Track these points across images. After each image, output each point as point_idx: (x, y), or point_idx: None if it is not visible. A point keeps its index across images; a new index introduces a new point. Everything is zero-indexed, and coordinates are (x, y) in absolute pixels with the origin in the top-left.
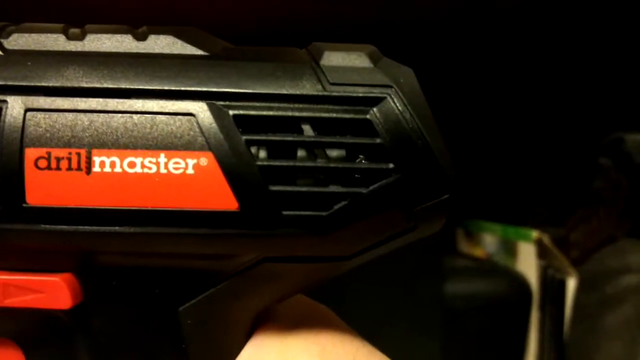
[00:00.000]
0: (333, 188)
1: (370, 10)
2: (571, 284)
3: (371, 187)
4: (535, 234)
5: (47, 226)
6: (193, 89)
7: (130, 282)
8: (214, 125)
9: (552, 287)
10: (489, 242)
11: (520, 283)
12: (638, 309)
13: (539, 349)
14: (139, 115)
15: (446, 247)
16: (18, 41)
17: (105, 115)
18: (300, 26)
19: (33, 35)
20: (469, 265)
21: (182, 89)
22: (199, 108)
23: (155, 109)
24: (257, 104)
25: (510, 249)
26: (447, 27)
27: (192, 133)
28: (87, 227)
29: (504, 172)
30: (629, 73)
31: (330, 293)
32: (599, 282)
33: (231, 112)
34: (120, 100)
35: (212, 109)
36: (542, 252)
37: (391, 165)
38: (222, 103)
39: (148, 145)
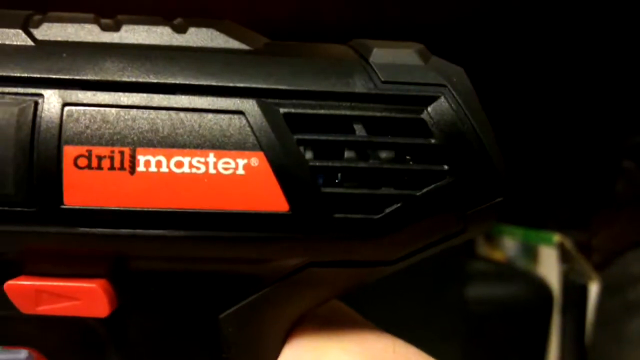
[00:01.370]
0: (385, 190)
1: (378, 11)
2: (593, 289)
3: (424, 190)
4: (556, 237)
5: (86, 229)
6: (242, 85)
7: (168, 289)
8: (265, 124)
9: (574, 292)
10: (509, 246)
11: (541, 287)
12: None
13: (560, 354)
14: (185, 112)
15: (466, 251)
16: (49, 31)
17: (150, 111)
18: (306, 25)
19: (64, 25)
20: (489, 269)
21: (231, 85)
22: (249, 106)
23: (203, 106)
24: (308, 102)
25: (531, 253)
26: (465, 27)
27: (242, 132)
28: (129, 230)
29: (525, 174)
30: None
31: (351, 297)
32: (622, 288)
33: (282, 111)
34: (165, 96)
35: (262, 107)
36: (564, 256)
37: (445, 167)
38: (272, 101)
39: (196, 144)
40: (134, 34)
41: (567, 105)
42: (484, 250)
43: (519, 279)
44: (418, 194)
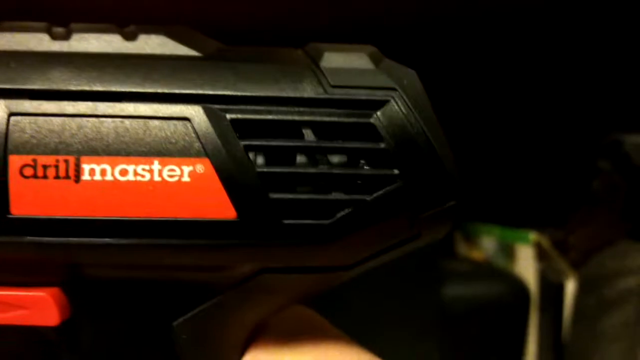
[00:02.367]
0: (335, 195)
1: (366, 11)
2: (570, 287)
3: (375, 194)
4: (533, 236)
5: (33, 238)
6: (188, 91)
7: (121, 296)
8: (211, 130)
9: (551, 290)
10: (487, 245)
11: (518, 286)
12: (638, 311)
13: (538, 352)
14: (130, 119)
15: (444, 250)
16: None
17: (95, 120)
18: (291, 25)
19: (15, 34)
20: (467, 268)
21: (177, 91)
22: (195, 112)
23: (148, 113)
24: (256, 108)
25: (508, 252)
26: (443, 28)
27: (187, 138)
28: (76, 239)
29: (502, 174)
30: (628, 74)
31: (327, 297)
32: (598, 285)
33: (228, 116)
34: (111, 104)
35: (209, 113)
36: (541, 254)
37: (396, 171)
38: (218, 107)
39: (141, 152)
40: (83, 42)
41: (544, 104)
42: (463, 250)
43: (496, 278)
44: (369, 198)
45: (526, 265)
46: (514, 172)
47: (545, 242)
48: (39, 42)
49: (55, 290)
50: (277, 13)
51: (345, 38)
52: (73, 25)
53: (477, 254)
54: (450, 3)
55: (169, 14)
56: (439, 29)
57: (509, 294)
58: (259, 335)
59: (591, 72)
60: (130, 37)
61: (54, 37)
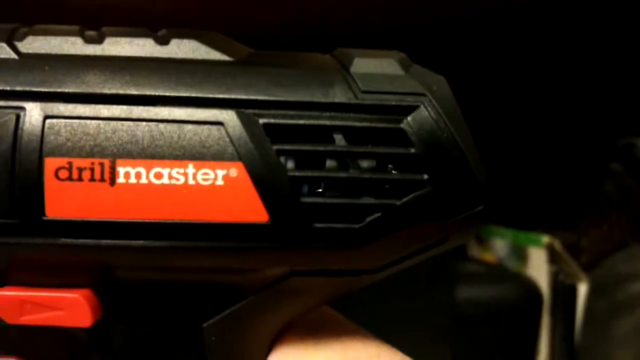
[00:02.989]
0: (365, 200)
1: (372, 14)
2: (582, 290)
3: (404, 199)
4: (545, 239)
5: (68, 240)
6: (221, 96)
7: (152, 298)
8: (244, 134)
9: (563, 293)
10: (499, 248)
11: (530, 288)
12: None
13: (549, 354)
14: (165, 123)
15: (457, 252)
16: (33, 44)
17: (130, 123)
18: (303, 31)
19: (49, 37)
20: (479, 270)
21: (210, 96)
22: (228, 116)
23: (183, 117)
24: (288, 113)
25: (520, 254)
26: (454, 30)
27: (221, 143)
28: (110, 241)
29: (515, 177)
30: None
31: (340, 299)
32: (609, 288)
33: (261, 121)
34: (145, 108)
35: (242, 118)
36: (553, 257)
37: (425, 176)
38: (251, 111)
39: (175, 156)
40: (116, 46)
41: (557, 108)
42: (475, 252)
43: (508, 281)
44: (398, 203)
45: (538, 268)
46: (527, 175)
47: (558, 245)
48: (73, 45)
49: (87, 292)
50: (287, 18)
51: (345, 38)
52: (105, 29)
53: (489, 257)
54: (465, 8)
55: (183, 17)
56: (451, 32)
57: (521, 296)
58: (284, 334)
59: (604, 76)
60: (162, 41)
61: (87, 40)
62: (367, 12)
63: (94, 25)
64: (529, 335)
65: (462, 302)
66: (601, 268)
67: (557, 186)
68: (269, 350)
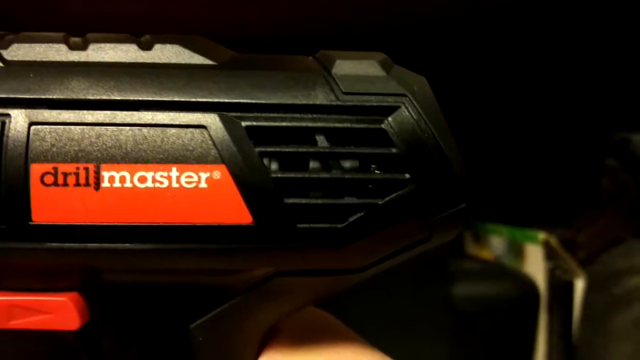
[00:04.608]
0: (348, 200)
1: (367, 15)
2: (579, 285)
3: (387, 198)
4: (542, 235)
5: (54, 244)
6: (204, 100)
7: (139, 300)
8: (227, 137)
9: (560, 289)
10: (496, 245)
11: (527, 285)
12: None
13: (547, 351)
14: (148, 128)
15: (453, 249)
16: (18, 52)
17: (114, 128)
18: (297, 31)
19: (34, 45)
20: (476, 267)
21: (193, 100)
22: (211, 120)
23: (166, 121)
24: (270, 115)
25: (517, 251)
26: (449, 29)
27: (204, 146)
28: (96, 245)
29: (510, 174)
30: (636, 73)
31: (336, 298)
32: (607, 283)
33: (243, 124)
34: (129, 113)
35: (224, 121)
36: (550, 253)
37: (407, 176)
38: (234, 114)
39: (159, 159)
40: (100, 52)
41: (552, 104)
42: (472, 249)
43: (505, 277)
44: (381, 202)
45: (535, 264)
46: (522, 172)
47: (554, 241)
48: (57, 52)
49: (74, 295)
50: (279, 20)
51: (345, 40)
52: (89, 35)
53: (486, 254)
54: (458, 4)
55: (174, 21)
56: (445, 30)
57: (518, 293)
58: (273, 337)
59: (599, 71)
60: (145, 46)
61: (72, 47)
62: (357, 12)
63: (90, 32)
64: (527, 332)
65: (459, 299)
66: (598, 263)
67: (553, 182)
68: (258, 350)
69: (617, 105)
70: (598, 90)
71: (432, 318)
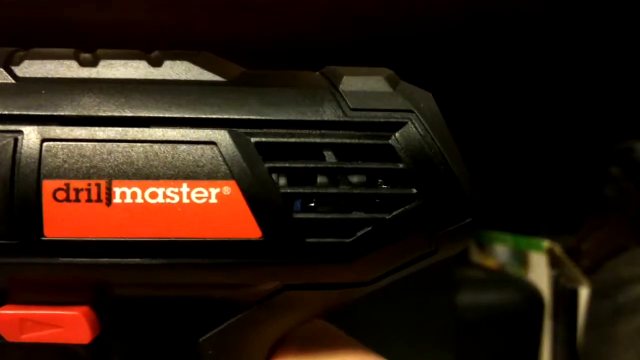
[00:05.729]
0: (356, 214)
1: (368, 22)
2: (583, 293)
3: (394, 213)
4: (546, 243)
5: (66, 259)
6: (214, 116)
7: (149, 314)
8: (237, 153)
9: (565, 297)
10: (500, 253)
11: (532, 293)
12: None
13: (552, 359)
14: (159, 144)
15: (458, 258)
16: (30, 68)
17: (125, 144)
18: (296, 40)
19: (44, 61)
20: (480, 275)
21: (203, 116)
22: (221, 136)
23: (176, 138)
24: (279, 131)
25: (521, 259)
26: (454, 34)
27: (214, 162)
28: (107, 260)
29: (515, 182)
30: None
31: (335, 310)
32: (611, 292)
33: (253, 140)
34: (140, 129)
35: (234, 137)
36: (554, 261)
37: (414, 191)
38: (243, 130)
39: (170, 175)
40: (111, 69)
41: (556, 112)
42: (477, 258)
43: (510, 285)
44: (388, 217)
45: (539, 273)
46: (527, 180)
47: (558, 249)
48: (68, 68)
49: (86, 309)
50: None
51: (344, 43)
52: (99, 52)
53: (490, 262)
54: (466, 10)
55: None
56: (446, 40)
57: (523, 301)
58: (280, 347)
59: (603, 80)
60: (155, 63)
61: (82, 63)
62: (361, 22)
63: (97, 41)
64: (531, 340)
65: (463, 307)
66: (602, 272)
67: (557, 191)
68: None
69: (621, 113)
70: (602, 98)
71: (437, 326)
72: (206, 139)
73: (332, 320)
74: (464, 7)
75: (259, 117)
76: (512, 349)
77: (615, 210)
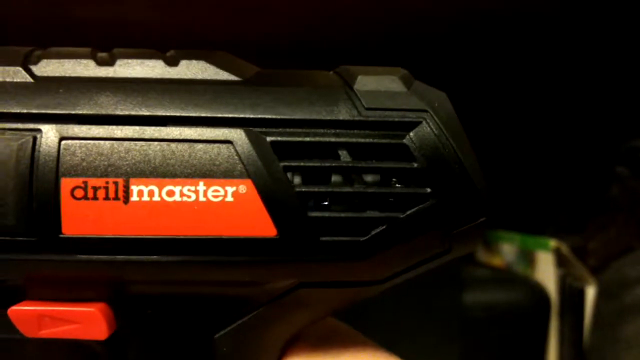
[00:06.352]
0: (370, 213)
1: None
2: (590, 293)
3: (408, 212)
4: (553, 243)
5: (84, 256)
6: (230, 115)
7: (165, 311)
8: (252, 152)
9: (571, 296)
10: (507, 252)
11: (539, 292)
12: None
13: (558, 358)
14: (176, 143)
15: (465, 256)
16: (47, 67)
17: (142, 143)
18: (305, 39)
19: (62, 60)
20: (487, 275)
21: (219, 115)
22: (237, 135)
23: (193, 137)
24: (294, 130)
25: (528, 259)
26: (459, 36)
27: (230, 160)
28: (124, 257)
29: (521, 182)
30: None
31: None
32: (617, 292)
33: (268, 139)
34: (157, 128)
35: (250, 136)
36: (561, 261)
37: (428, 190)
38: (259, 130)
39: (187, 174)
40: (128, 68)
41: (562, 112)
42: (483, 257)
43: (516, 285)
44: (402, 216)
45: (546, 272)
46: (533, 180)
47: (565, 249)
48: (85, 68)
49: (103, 306)
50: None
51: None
52: (116, 51)
53: (497, 261)
54: (470, 12)
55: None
56: (454, 41)
57: (529, 300)
58: (293, 344)
59: (608, 80)
60: (172, 62)
61: (99, 62)
62: (372, 22)
63: (108, 39)
64: (538, 339)
65: (470, 306)
66: (609, 271)
67: (564, 190)
68: (279, 358)
69: (627, 113)
70: (608, 98)
71: (443, 324)
72: (222, 138)
73: (338, 318)
74: (469, 7)
75: (274, 117)
76: (518, 348)
77: (622, 210)
